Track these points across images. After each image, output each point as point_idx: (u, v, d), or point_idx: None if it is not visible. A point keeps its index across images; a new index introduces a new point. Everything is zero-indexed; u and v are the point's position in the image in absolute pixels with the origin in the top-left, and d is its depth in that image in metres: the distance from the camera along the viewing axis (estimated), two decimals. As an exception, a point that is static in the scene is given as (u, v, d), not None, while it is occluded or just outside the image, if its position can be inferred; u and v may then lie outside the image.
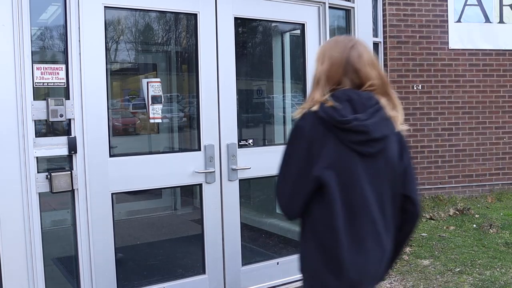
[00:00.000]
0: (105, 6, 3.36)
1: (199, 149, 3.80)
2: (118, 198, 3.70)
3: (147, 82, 3.72)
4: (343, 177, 1.79)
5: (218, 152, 3.86)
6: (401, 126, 1.90)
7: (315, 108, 1.82)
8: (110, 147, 3.43)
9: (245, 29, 4.52)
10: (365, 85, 1.86)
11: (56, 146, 3.21)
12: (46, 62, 3.21)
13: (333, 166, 1.78)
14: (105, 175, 3.39)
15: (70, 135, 3.25)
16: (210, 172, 3.80)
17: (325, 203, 1.80)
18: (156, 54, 4.63)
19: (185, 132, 4.52)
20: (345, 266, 1.79)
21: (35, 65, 3.10)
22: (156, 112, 3.74)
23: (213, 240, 3.87)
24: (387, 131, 1.84)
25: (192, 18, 3.83)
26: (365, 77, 1.85)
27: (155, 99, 3.71)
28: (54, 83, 3.19)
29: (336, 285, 1.82)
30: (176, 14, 3.90)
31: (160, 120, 3.89)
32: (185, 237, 4.51)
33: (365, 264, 1.81)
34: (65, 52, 3.24)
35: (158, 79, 3.88)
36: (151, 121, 3.81)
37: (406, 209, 1.94)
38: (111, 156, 3.43)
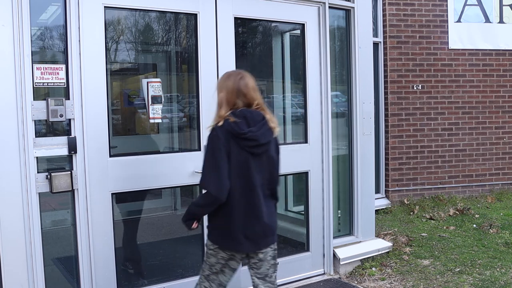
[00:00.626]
0: (105, 6, 3.37)
1: (199, 149, 3.80)
2: (118, 198, 3.70)
3: (147, 82, 3.72)
4: (242, 169, 2.65)
5: (218, 152, 3.86)
6: (276, 132, 2.77)
7: (221, 123, 2.64)
8: (110, 147, 3.43)
9: (245, 29, 4.52)
10: (253, 104, 2.71)
11: (56, 146, 3.21)
12: (46, 62, 3.21)
13: (236, 161, 2.63)
14: (105, 175, 3.39)
15: (70, 135, 3.26)
16: (210, 172, 3.79)
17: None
18: (156, 54, 4.63)
19: (185, 132, 4.52)
20: (241, 228, 2.67)
21: (35, 65, 3.10)
22: (156, 112, 3.74)
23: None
24: (269, 138, 2.72)
25: (192, 18, 3.83)
26: (251, 99, 2.70)
27: (155, 99, 3.71)
28: (54, 83, 3.20)
29: (236, 241, 2.69)
30: (176, 14, 3.90)
31: (160, 120, 3.88)
32: (185, 237, 4.50)
33: (255, 225, 2.70)
34: (65, 52, 3.24)
35: (158, 79, 3.87)
36: (151, 121, 3.80)
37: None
38: (111, 156, 3.43)
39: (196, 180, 3.76)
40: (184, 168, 3.73)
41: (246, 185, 2.67)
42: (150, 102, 3.63)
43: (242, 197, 2.66)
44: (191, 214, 2.77)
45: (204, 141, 3.78)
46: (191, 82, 3.98)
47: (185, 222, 2.80)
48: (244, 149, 2.63)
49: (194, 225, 2.81)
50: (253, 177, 2.67)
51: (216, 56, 3.86)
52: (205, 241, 2.87)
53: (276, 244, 2.86)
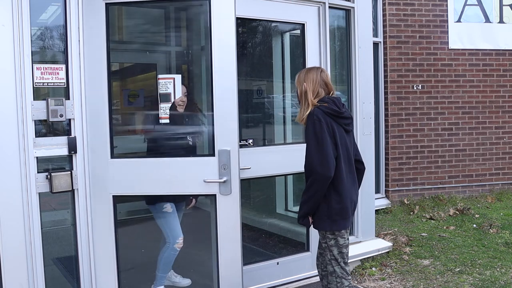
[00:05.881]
0: (106, 3, 3.34)
1: (213, 155, 3.71)
2: (118, 198, 3.68)
3: (158, 79, 3.54)
4: (344, 145, 2.99)
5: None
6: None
7: (316, 107, 2.97)
8: (112, 148, 3.40)
9: (245, 29, 4.52)
10: (330, 92, 3.11)
11: (56, 146, 3.21)
12: (46, 62, 3.21)
13: (340, 139, 2.96)
14: (105, 176, 3.37)
15: (70, 135, 3.25)
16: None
17: (337, 162, 2.92)
18: (156, 54, 4.63)
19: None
20: (344, 198, 2.95)
21: (35, 65, 3.10)
22: (164, 112, 3.52)
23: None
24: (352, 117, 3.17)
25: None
26: (330, 87, 3.12)
27: (164, 97, 3.50)
28: (54, 83, 3.19)
29: (340, 210, 2.95)
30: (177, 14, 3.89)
31: (167, 121, 3.64)
32: (185, 237, 4.50)
33: (353, 195, 3.05)
34: (65, 52, 3.24)
35: (171, 76, 3.62)
36: (160, 121, 3.53)
37: (357, 167, 3.18)
38: (112, 157, 3.40)
39: (206, 191, 3.39)
40: (193, 175, 3.40)
41: (348, 161, 3.01)
42: (159, 101, 3.51)
43: (347, 172, 2.99)
44: (305, 208, 2.95)
45: (218, 147, 3.41)
46: (190, 82, 3.98)
47: (302, 221, 3.02)
48: (341, 126, 2.98)
49: (310, 220, 3.01)
50: (350, 152, 3.04)
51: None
52: (320, 237, 3.10)
53: None
